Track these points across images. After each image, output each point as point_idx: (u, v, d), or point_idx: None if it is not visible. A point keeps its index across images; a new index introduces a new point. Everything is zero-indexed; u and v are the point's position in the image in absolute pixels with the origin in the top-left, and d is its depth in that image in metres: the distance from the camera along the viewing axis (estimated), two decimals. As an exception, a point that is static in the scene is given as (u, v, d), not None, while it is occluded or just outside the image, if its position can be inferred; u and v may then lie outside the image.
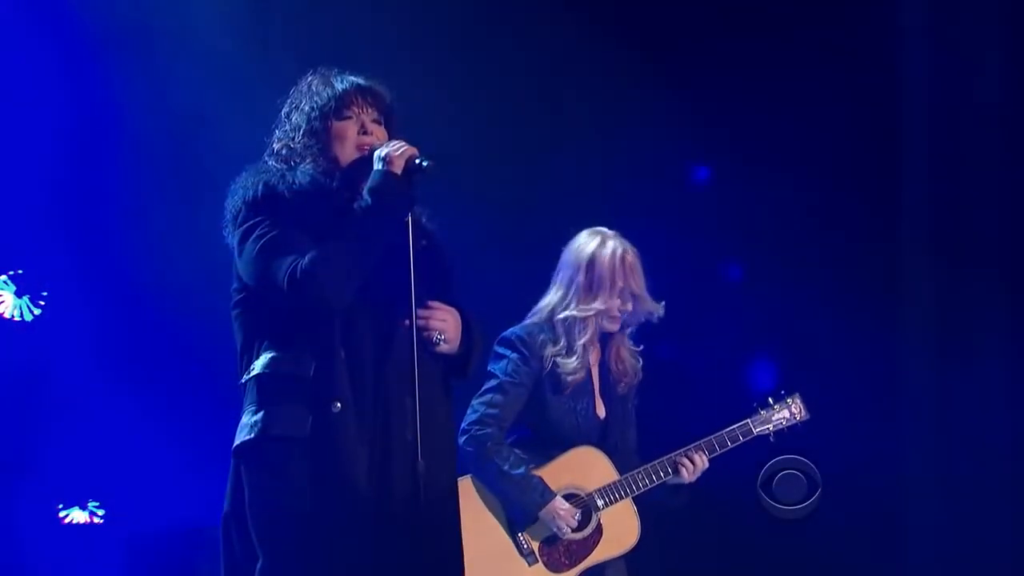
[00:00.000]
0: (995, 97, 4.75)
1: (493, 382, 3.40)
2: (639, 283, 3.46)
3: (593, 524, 3.41)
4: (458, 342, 2.72)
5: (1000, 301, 4.75)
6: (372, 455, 2.58)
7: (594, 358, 3.53)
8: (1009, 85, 4.75)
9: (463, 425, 3.33)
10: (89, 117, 4.44)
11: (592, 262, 3.45)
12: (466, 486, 3.30)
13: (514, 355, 3.40)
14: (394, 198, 2.59)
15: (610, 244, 3.47)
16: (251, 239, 2.60)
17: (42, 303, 4.50)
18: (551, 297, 3.52)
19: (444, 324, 2.69)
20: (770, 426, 3.53)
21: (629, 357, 3.55)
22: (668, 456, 3.48)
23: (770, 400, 3.57)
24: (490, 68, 4.71)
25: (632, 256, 3.48)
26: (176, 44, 4.45)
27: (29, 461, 4.41)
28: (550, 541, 3.37)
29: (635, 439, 3.62)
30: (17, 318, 4.48)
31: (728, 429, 3.51)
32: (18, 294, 4.48)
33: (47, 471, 4.42)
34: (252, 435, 2.58)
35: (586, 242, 3.51)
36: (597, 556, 3.43)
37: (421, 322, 2.63)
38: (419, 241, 2.64)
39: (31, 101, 4.43)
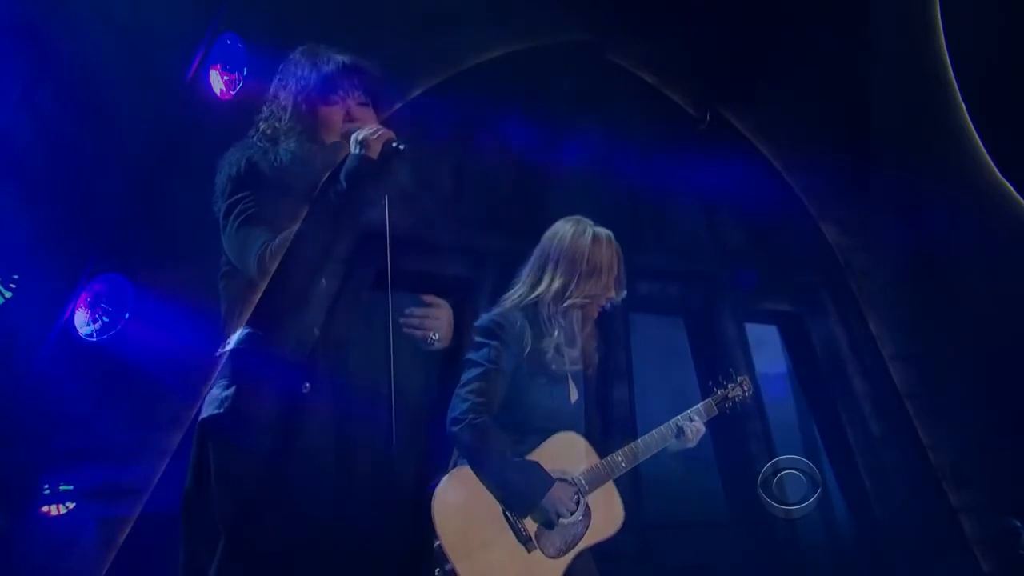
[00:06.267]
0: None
1: (477, 370, 3.29)
2: (623, 271, 3.53)
3: (583, 508, 3.40)
4: (450, 338, 2.71)
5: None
6: (341, 437, 2.54)
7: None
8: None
9: (454, 414, 3.23)
10: (68, 98, 4.38)
11: (591, 252, 3.48)
12: (464, 473, 3.24)
13: (494, 342, 3.35)
14: (370, 182, 2.57)
15: (603, 234, 3.51)
16: (232, 215, 2.62)
17: (13, 286, 4.43)
18: (541, 287, 3.45)
19: (438, 323, 2.68)
20: (727, 403, 3.70)
21: (593, 342, 3.57)
22: (641, 439, 3.51)
23: (721, 379, 3.74)
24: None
25: (617, 245, 3.51)
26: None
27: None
28: (547, 526, 3.35)
29: (602, 423, 3.65)
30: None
31: (689, 411, 3.60)
32: (-12, 277, 4.42)
33: (17, 454, 4.35)
34: (221, 410, 2.55)
35: (576, 232, 3.50)
36: (587, 541, 3.40)
37: (416, 321, 2.62)
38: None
39: (7, 85, 4.37)
